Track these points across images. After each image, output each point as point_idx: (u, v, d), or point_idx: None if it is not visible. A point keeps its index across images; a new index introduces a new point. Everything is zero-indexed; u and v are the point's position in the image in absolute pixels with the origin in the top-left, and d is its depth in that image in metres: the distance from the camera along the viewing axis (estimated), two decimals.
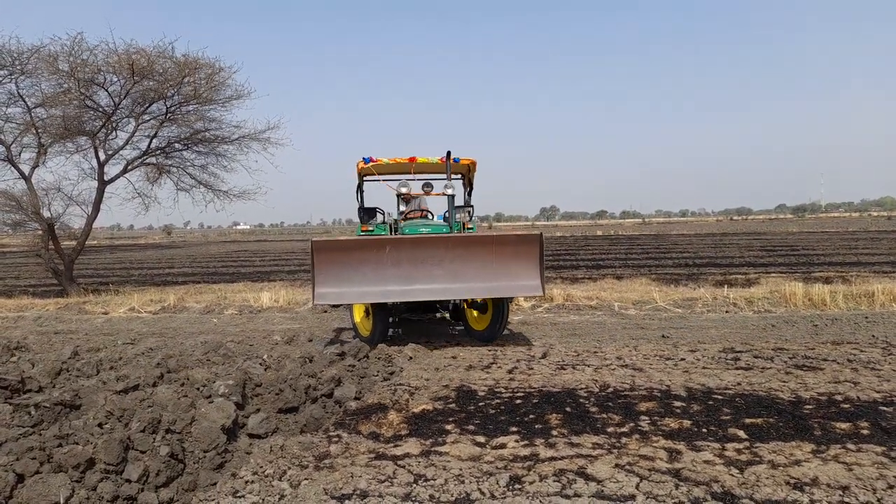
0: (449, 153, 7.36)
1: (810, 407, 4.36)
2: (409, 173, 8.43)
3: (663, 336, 7.66)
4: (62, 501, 3.08)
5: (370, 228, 7.71)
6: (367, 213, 8.13)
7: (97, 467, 3.39)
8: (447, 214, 8.03)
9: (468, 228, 7.72)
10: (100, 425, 3.97)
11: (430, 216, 8.25)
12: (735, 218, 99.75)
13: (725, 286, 11.99)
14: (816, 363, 5.78)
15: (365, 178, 8.19)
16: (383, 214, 8.34)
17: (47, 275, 16.12)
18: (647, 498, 3.00)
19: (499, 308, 7.12)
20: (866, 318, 8.40)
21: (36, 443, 3.54)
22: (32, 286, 17.31)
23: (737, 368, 5.70)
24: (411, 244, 6.35)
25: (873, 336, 7.09)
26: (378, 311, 7.10)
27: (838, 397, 4.59)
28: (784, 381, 5.13)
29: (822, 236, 34.13)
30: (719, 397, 4.69)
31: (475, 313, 7.75)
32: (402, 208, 8.34)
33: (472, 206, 8.16)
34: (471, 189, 8.49)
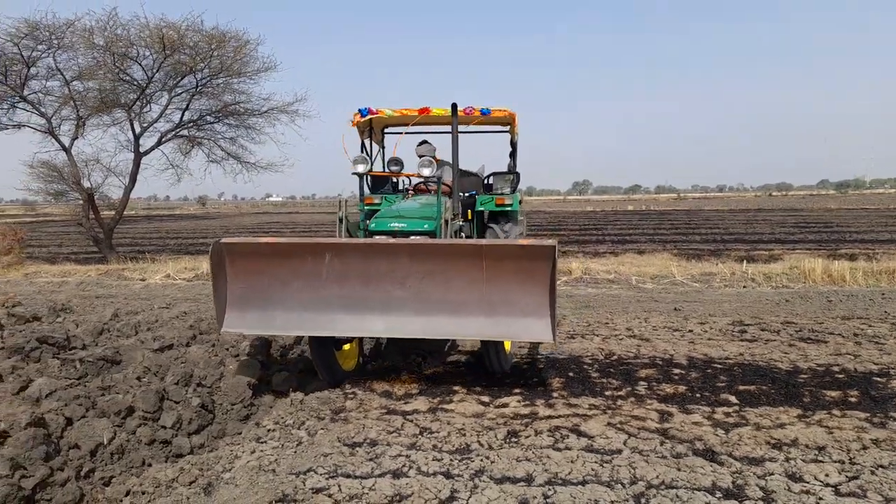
0: (454, 106, 5.11)
1: (805, 376, 4.54)
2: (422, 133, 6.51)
3: (675, 309, 7.80)
4: (106, 441, 3.47)
5: (376, 201, 6.07)
6: (376, 181, 6.40)
7: (136, 414, 3.77)
8: (489, 180, 6.40)
9: (507, 206, 6.01)
10: (138, 378, 4.36)
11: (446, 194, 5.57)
12: (774, 194, 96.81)
13: (745, 262, 11.99)
14: (822, 336, 5.91)
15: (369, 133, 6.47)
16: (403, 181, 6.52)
17: (88, 243, 16.86)
18: (633, 452, 3.25)
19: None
20: (883, 294, 8.39)
21: (82, 392, 3.93)
22: (74, 253, 18.09)
23: (742, 340, 5.86)
24: (360, 252, 4.30)
25: (885, 312, 7.13)
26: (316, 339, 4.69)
27: (835, 368, 4.75)
28: (785, 353, 5.29)
29: (861, 213, 33.29)
30: (719, 366, 4.88)
31: None
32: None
33: (517, 174, 6.46)
34: (514, 151, 6.62)
